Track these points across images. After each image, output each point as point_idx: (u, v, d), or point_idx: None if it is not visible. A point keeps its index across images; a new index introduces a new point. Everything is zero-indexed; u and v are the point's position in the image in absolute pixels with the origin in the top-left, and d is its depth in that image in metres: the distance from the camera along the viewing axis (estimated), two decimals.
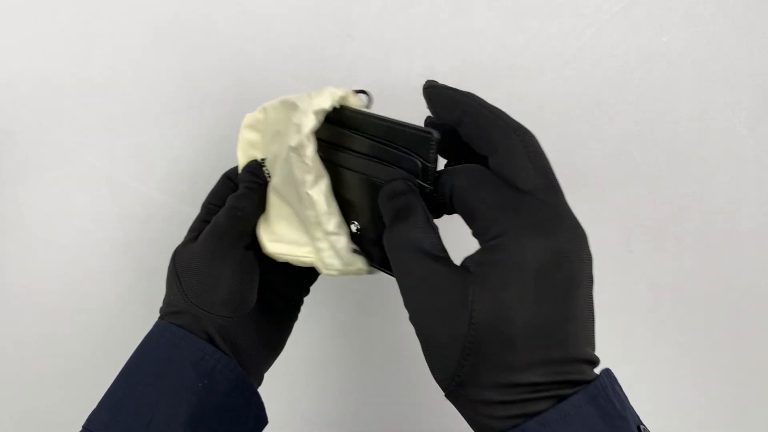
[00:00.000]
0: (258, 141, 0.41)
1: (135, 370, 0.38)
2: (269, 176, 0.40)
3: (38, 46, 0.49)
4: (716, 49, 0.50)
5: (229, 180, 0.42)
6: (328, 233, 0.36)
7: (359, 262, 0.37)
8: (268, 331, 0.42)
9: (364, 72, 0.50)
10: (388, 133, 0.32)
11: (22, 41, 0.49)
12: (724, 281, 0.56)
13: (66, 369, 0.57)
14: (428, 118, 0.34)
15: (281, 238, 0.39)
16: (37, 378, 0.58)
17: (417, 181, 0.30)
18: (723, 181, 0.53)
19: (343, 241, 0.36)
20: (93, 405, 0.37)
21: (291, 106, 0.37)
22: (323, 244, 0.36)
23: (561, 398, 0.26)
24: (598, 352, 0.29)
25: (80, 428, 0.36)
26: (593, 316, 0.28)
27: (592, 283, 0.28)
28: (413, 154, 0.30)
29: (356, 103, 0.35)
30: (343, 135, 0.34)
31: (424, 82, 0.32)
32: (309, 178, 0.35)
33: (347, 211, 0.36)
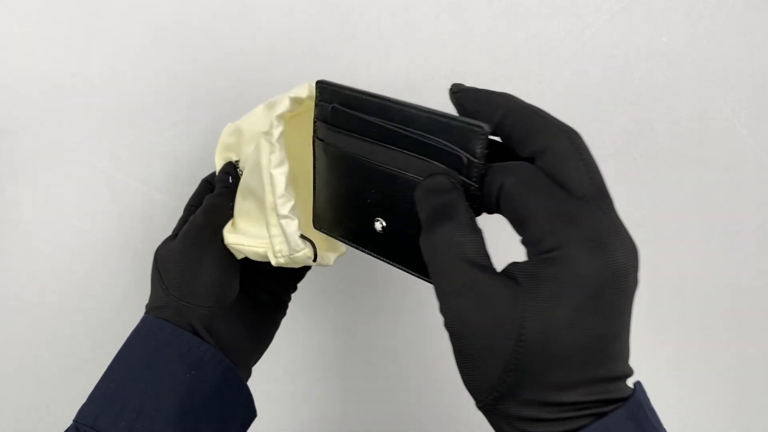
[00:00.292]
0: (234, 144, 0.43)
1: (123, 363, 0.38)
2: (242, 175, 0.42)
3: (38, 46, 0.49)
4: (716, 49, 0.50)
5: (208, 183, 0.45)
6: (280, 216, 0.36)
7: (307, 250, 0.37)
8: (253, 324, 0.43)
9: (364, 72, 0.50)
10: (428, 124, 0.29)
11: (22, 41, 0.49)
12: (724, 281, 0.56)
13: (66, 368, 0.57)
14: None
15: (240, 231, 0.40)
16: (37, 378, 0.58)
17: (460, 178, 0.28)
18: (723, 181, 0.53)
19: (293, 225, 0.37)
20: None
21: (270, 105, 0.38)
22: (276, 230, 0.37)
23: (600, 415, 0.25)
24: None
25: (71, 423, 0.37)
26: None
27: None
28: (457, 149, 0.28)
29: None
30: (369, 124, 0.32)
31: (450, 86, 0.30)
32: (274, 158, 0.36)
33: (370, 208, 0.33)
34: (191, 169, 0.52)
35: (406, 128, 0.30)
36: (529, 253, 0.26)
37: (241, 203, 0.41)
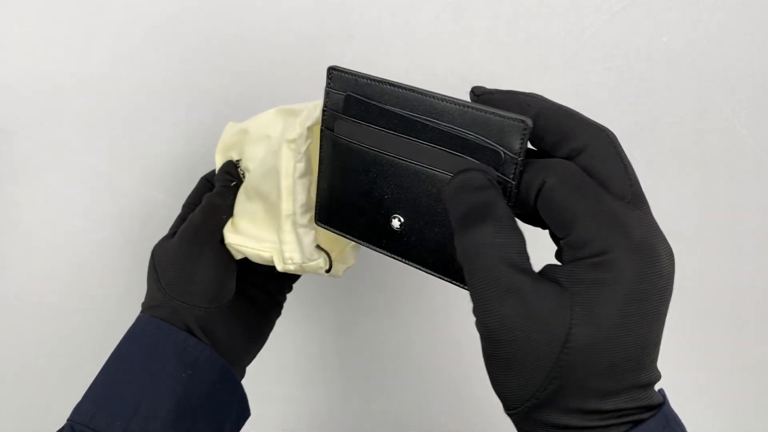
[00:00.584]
0: (237, 144, 0.42)
1: (119, 362, 0.38)
2: (243, 176, 0.42)
3: (38, 46, 0.49)
4: (716, 49, 0.50)
5: (207, 182, 0.44)
6: (299, 225, 0.36)
7: (321, 260, 0.37)
8: (249, 323, 0.43)
9: (364, 72, 0.50)
10: (460, 116, 0.28)
11: (22, 41, 0.49)
12: (724, 281, 0.56)
13: (66, 368, 0.57)
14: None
15: (242, 232, 0.40)
16: (37, 377, 0.58)
17: (496, 174, 0.27)
18: (723, 181, 0.53)
19: (311, 236, 0.37)
20: None
21: (291, 112, 0.38)
22: (289, 237, 0.37)
23: (637, 422, 0.25)
24: None
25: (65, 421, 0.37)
26: None
27: None
28: (494, 143, 0.27)
29: None
30: (390, 115, 0.30)
31: (471, 88, 0.29)
32: (299, 167, 0.35)
33: (387, 204, 0.32)
34: (191, 169, 0.52)
35: (435, 120, 0.28)
36: (570, 256, 0.25)
37: (245, 204, 0.41)
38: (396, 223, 0.32)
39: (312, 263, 0.37)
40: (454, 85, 0.51)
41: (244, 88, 0.50)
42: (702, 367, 0.59)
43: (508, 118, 0.27)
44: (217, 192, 0.41)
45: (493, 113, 0.27)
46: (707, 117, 0.51)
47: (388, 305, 0.58)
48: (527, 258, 0.25)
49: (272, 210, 0.38)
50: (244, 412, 0.41)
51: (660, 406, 0.26)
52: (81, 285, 0.55)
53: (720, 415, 0.60)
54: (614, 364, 0.24)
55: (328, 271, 0.39)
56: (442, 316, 0.57)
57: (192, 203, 0.43)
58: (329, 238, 0.39)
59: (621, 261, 0.24)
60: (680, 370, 0.58)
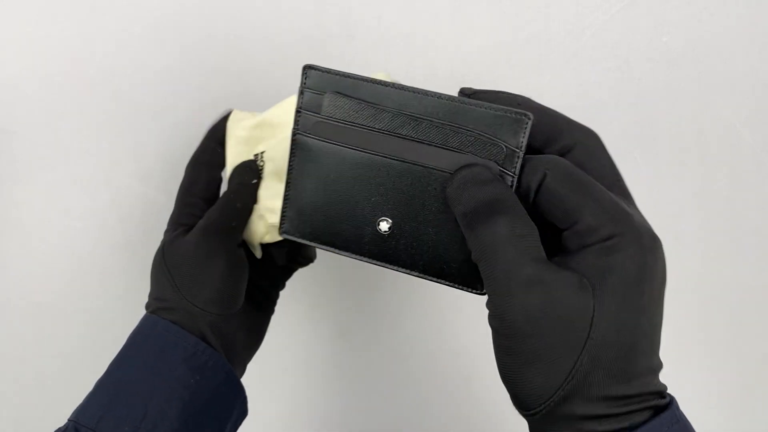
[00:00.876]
0: (259, 138, 0.40)
1: (126, 364, 0.37)
2: (262, 170, 0.39)
3: (38, 46, 0.49)
4: (716, 49, 0.50)
5: (209, 169, 0.41)
6: None
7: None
8: (250, 323, 0.42)
9: (364, 72, 0.50)
10: (457, 113, 0.28)
11: (22, 41, 0.49)
12: (724, 281, 0.56)
13: (66, 368, 0.57)
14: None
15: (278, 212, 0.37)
16: (37, 378, 0.58)
17: (498, 169, 0.27)
18: (723, 181, 0.53)
19: None
20: None
21: None
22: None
23: (657, 408, 0.25)
24: None
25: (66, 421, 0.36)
26: None
27: None
28: (495, 138, 0.27)
29: None
30: (378, 113, 0.29)
31: (460, 89, 0.30)
32: None
33: (374, 207, 0.31)
34: None
35: (429, 117, 0.28)
36: (578, 244, 0.26)
37: (279, 188, 0.38)
38: (384, 225, 0.31)
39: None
40: (454, 84, 0.50)
41: (244, 88, 0.50)
42: (702, 367, 0.59)
43: (509, 111, 0.27)
44: (238, 190, 0.39)
45: (492, 108, 0.27)
46: (707, 117, 0.51)
47: (390, 306, 0.58)
48: (542, 248, 0.26)
49: None
50: (243, 412, 0.41)
51: (665, 394, 0.26)
52: (81, 285, 0.55)
53: (720, 414, 0.60)
54: (635, 347, 0.24)
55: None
56: (443, 316, 0.57)
57: (197, 194, 0.41)
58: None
59: (630, 245, 0.24)
60: (680, 370, 0.58)
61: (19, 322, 0.56)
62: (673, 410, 0.25)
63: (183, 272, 0.38)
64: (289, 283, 0.46)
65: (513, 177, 0.27)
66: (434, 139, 0.28)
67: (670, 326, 0.57)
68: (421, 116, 0.28)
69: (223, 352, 0.39)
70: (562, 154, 0.27)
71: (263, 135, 0.40)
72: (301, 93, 0.31)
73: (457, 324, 0.57)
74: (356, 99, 0.30)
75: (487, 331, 0.29)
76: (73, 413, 0.37)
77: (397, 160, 0.29)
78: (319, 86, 0.31)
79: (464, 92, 0.29)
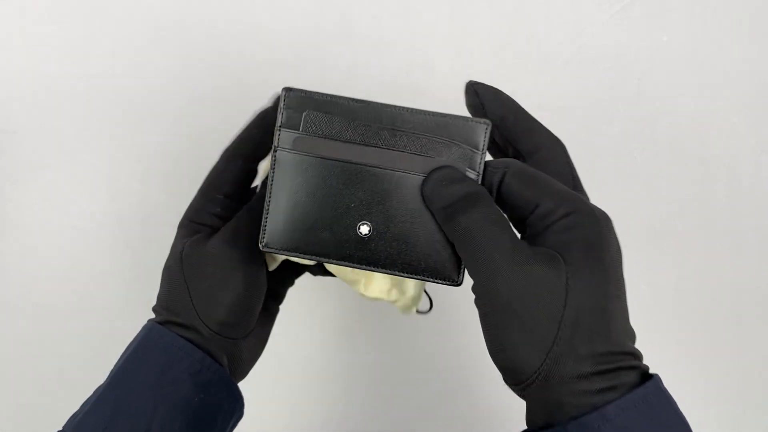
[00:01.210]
0: None
1: (130, 376, 0.35)
2: None
3: (38, 46, 0.49)
4: (716, 49, 0.50)
5: (243, 159, 0.36)
6: None
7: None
8: (258, 333, 0.40)
9: (364, 72, 0.50)
10: (426, 123, 0.32)
11: (22, 41, 0.49)
12: (724, 281, 0.56)
13: (66, 368, 0.57)
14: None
15: None
16: (37, 378, 0.58)
17: (466, 168, 0.31)
18: (723, 181, 0.53)
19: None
20: None
21: None
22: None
23: (642, 373, 0.28)
24: None
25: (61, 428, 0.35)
26: None
27: None
28: (460, 143, 0.31)
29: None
30: (357, 128, 0.33)
31: (467, 83, 0.34)
32: None
33: (353, 213, 0.33)
34: (191, 169, 0.52)
35: (401, 129, 0.32)
36: (541, 226, 0.29)
37: None
38: (365, 229, 0.33)
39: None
40: (454, 85, 0.51)
41: (243, 88, 0.50)
42: (702, 367, 0.59)
43: (472, 120, 0.31)
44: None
45: (457, 117, 0.31)
46: (707, 117, 0.51)
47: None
48: (515, 233, 0.29)
49: None
50: (240, 416, 0.40)
51: (642, 361, 0.29)
52: (81, 285, 0.55)
53: (720, 415, 0.60)
54: (606, 307, 0.28)
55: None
56: (444, 316, 0.57)
57: (222, 188, 0.36)
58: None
59: (586, 218, 0.28)
60: (679, 370, 0.58)
61: (19, 322, 0.56)
62: (657, 380, 0.28)
63: (202, 289, 0.35)
64: None
65: (478, 175, 0.31)
66: (406, 146, 0.32)
67: (670, 326, 0.57)
68: (393, 127, 0.32)
69: (227, 366, 0.37)
70: (529, 154, 0.32)
71: None
72: (281, 113, 0.34)
73: (457, 324, 0.57)
74: (331, 115, 0.33)
75: None
76: (69, 428, 0.35)
77: (371, 167, 0.33)
78: (298, 106, 0.33)
79: (469, 82, 0.33)
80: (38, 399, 0.58)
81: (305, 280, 0.48)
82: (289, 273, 0.43)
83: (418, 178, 0.32)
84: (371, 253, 0.34)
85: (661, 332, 0.57)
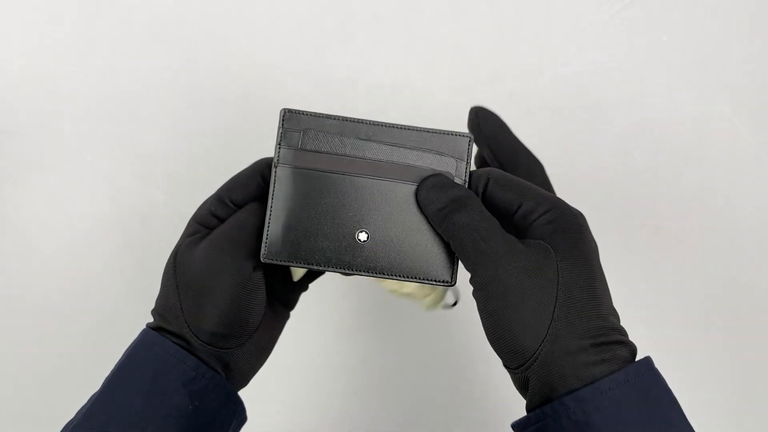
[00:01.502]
0: None
1: (120, 388, 0.34)
2: None
3: (38, 46, 0.49)
4: (716, 49, 0.50)
5: (261, 177, 0.36)
6: None
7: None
8: (258, 341, 0.38)
9: (364, 72, 0.50)
10: (418, 138, 0.35)
11: (22, 41, 0.49)
12: (724, 281, 0.56)
13: (66, 368, 0.57)
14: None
15: None
16: (37, 378, 0.58)
17: (454, 175, 0.35)
18: (723, 181, 0.53)
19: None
20: None
21: None
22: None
23: (631, 351, 0.31)
24: None
25: None
26: None
27: None
28: (447, 154, 0.35)
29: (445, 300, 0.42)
30: (353, 144, 0.36)
31: (471, 108, 0.38)
32: None
33: (351, 221, 0.36)
34: (191, 169, 0.52)
35: (394, 143, 0.35)
36: (525, 222, 0.32)
37: None
38: (363, 236, 0.36)
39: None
40: (453, 84, 0.51)
41: (243, 88, 0.50)
42: (702, 367, 0.59)
43: (457, 133, 0.35)
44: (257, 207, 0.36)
45: (443, 132, 0.35)
46: (707, 117, 0.51)
47: (389, 306, 0.58)
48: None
49: None
50: (242, 421, 0.39)
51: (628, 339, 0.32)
52: (81, 285, 0.55)
53: (720, 414, 0.60)
54: (593, 286, 0.30)
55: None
56: (444, 316, 0.57)
57: (231, 199, 0.36)
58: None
59: (564, 212, 0.32)
60: (679, 370, 0.58)
61: (19, 322, 0.56)
62: (649, 359, 0.31)
63: (190, 296, 0.34)
64: None
65: (464, 182, 0.35)
66: (398, 158, 0.35)
67: (670, 325, 0.57)
68: (385, 142, 0.35)
69: (224, 371, 0.36)
70: (512, 169, 0.36)
71: None
72: (280, 131, 0.36)
73: (458, 324, 0.57)
74: (327, 132, 0.36)
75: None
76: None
77: (366, 177, 0.35)
78: (297, 125, 0.36)
79: (475, 108, 0.38)
80: (38, 399, 0.58)
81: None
82: (303, 278, 0.41)
83: (411, 187, 0.35)
84: (369, 259, 0.36)
85: (661, 332, 0.57)
